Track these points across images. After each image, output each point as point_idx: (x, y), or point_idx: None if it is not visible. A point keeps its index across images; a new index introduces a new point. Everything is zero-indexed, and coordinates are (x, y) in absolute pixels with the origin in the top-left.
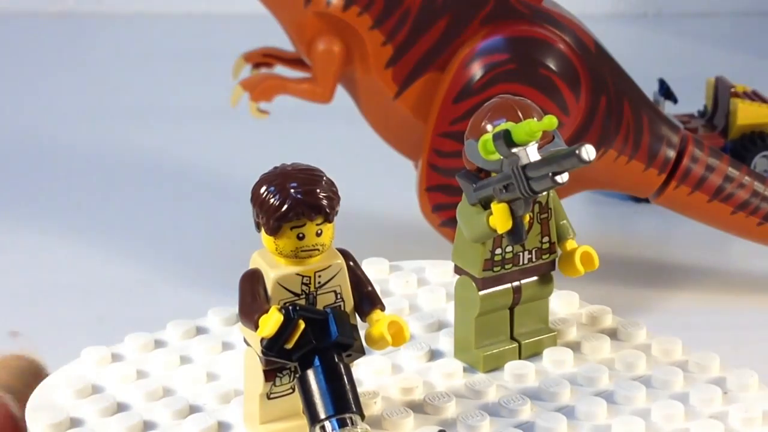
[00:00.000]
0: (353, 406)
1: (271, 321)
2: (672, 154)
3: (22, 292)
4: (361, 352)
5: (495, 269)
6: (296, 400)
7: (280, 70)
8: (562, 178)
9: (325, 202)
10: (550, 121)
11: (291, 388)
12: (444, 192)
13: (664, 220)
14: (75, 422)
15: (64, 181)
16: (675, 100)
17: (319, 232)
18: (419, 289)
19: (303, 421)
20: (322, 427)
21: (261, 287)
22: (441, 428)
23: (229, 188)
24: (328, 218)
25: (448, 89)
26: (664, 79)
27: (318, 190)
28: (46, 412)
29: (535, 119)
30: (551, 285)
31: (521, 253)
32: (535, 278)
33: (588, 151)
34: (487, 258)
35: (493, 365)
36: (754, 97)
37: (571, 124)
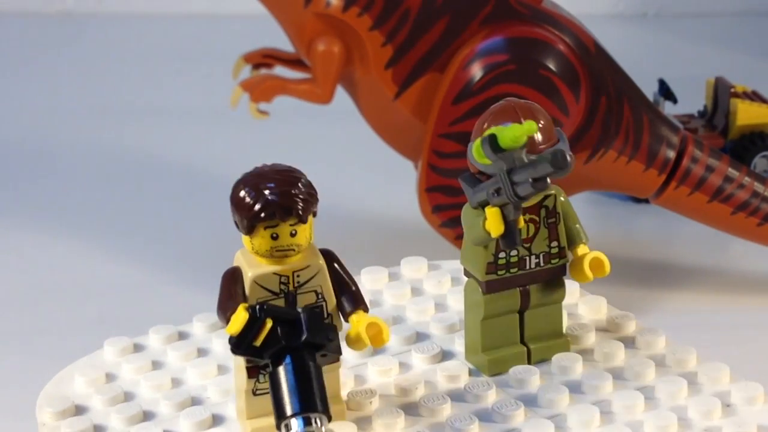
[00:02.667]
0: (319, 406)
1: (238, 319)
2: (672, 154)
3: (22, 292)
4: (338, 353)
5: (499, 273)
6: None
7: (280, 70)
8: (543, 184)
9: (299, 204)
10: (530, 126)
11: None
12: (444, 193)
13: (664, 220)
14: (79, 410)
15: (64, 181)
16: (675, 100)
17: (294, 232)
18: (451, 289)
19: None
20: (287, 425)
21: (239, 286)
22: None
23: (229, 188)
24: (301, 219)
25: (447, 90)
26: (664, 79)
27: (292, 191)
28: (53, 401)
29: (541, 123)
30: (562, 290)
31: (527, 257)
32: (544, 283)
33: (560, 158)
34: (490, 261)
35: (499, 369)
36: (754, 97)
37: (570, 124)
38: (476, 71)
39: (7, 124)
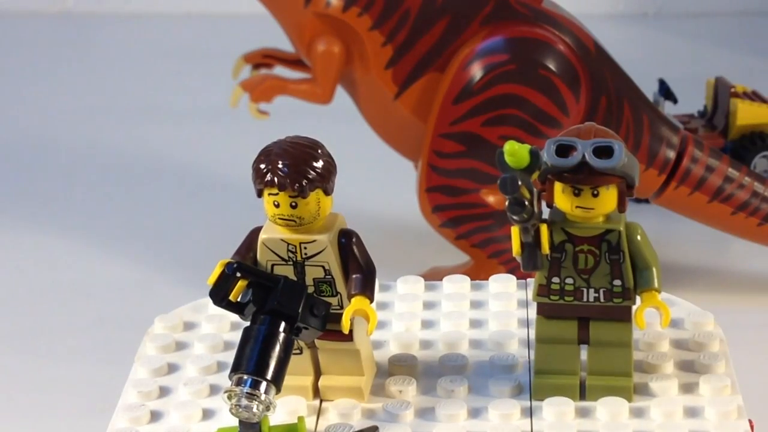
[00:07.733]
0: (274, 376)
1: (214, 272)
2: (672, 154)
3: (22, 292)
4: (321, 329)
5: (552, 297)
6: (304, 360)
7: (280, 70)
8: (511, 208)
9: (286, 179)
10: (509, 147)
11: (299, 349)
12: (444, 193)
13: (664, 220)
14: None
15: (63, 181)
16: (675, 100)
17: (294, 204)
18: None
19: (309, 380)
20: (239, 379)
21: (251, 243)
22: (374, 424)
23: (229, 188)
24: (299, 193)
25: (447, 90)
26: (664, 79)
27: (283, 163)
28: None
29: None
30: (627, 333)
31: (585, 289)
32: (607, 321)
33: (500, 183)
34: (542, 284)
35: (546, 395)
36: (754, 97)
37: (570, 125)
38: (476, 71)
39: (7, 124)
